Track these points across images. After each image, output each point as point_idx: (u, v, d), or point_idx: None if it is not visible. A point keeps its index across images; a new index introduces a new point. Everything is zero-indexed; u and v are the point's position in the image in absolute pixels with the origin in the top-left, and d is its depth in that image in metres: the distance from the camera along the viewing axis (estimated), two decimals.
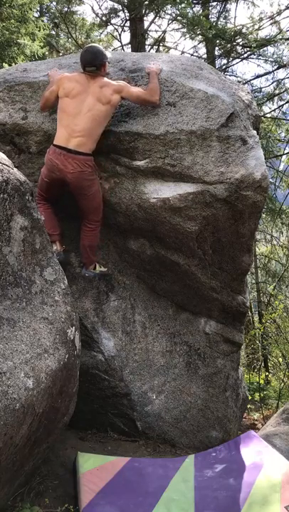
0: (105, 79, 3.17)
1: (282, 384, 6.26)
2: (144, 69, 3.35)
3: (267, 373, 7.97)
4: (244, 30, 8.42)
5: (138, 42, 8.43)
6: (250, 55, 8.73)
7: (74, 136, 3.04)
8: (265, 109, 9.18)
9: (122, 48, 9.39)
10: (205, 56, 9.52)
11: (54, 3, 10.61)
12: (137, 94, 3.12)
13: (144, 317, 3.64)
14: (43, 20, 9.08)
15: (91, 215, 3.28)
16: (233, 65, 9.66)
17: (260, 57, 8.75)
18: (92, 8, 17.02)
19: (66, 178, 3.07)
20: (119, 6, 8.66)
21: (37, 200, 3.24)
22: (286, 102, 8.93)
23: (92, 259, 3.45)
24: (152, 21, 9.20)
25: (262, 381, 7.24)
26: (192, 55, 9.53)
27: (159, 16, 8.98)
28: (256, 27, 8.51)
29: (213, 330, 3.82)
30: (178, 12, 7.94)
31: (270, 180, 8.97)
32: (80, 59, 3.15)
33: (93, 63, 3.11)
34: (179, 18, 8.08)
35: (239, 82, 7.10)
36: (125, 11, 8.67)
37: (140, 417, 3.48)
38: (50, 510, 2.31)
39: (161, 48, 9.65)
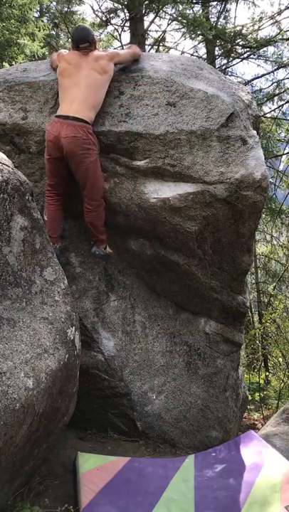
0: (98, 51, 3.32)
1: (282, 384, 6.26)
2: (144, 69, 3.35)
3: (267, 373, 7.97)
4: (244, 31, 8.43)
5: (138, 42, 8.41)
6: (250, 55, 8.74)
7: (71, 105, 3.08)
8: (265, 109, 9.20)
9: (122, 48, 9.37)
10: (205, 56, 9.52)
11: (54, 3, 10.60)
12: (130, 52, 3.39)
13: (144, 317, 3.64)
14: (42, 21, 9.09)
15: (88, 192, 3.17)
16: (233, 65, 9.68)
17: (260, 57, 8.77)
18: (92, 8, 16.95)
19: (61, 144, 3.03)
20: (119, 5, 8.66)
21: (46, 195, 3.29)
22: (286, 102, 8.94)
23: (100, 238, 3.35)
24: (152, 21, 9.18)
25: (262, 381, 7.24)
26: (192, 55, 9.53)
27: (159, 16, 8.98)
28: (256, 27, 8.53)
29: (213, 330, 3.82)
30: (178, 13, 7.94)
31: (270, 180, 8.97)
32: (73, 37, 3.37)
33: (86, 39, 3.28)
34: (179, 18, 8.07)
35: (239, 82, 7.10)
36: (125, 10, 8.66)
37: (140, 417, 3.48)
38: (50, 510, 2.31)
39: (161, 48, 9.65)
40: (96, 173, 3.14)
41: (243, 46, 8.64)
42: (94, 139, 3.10)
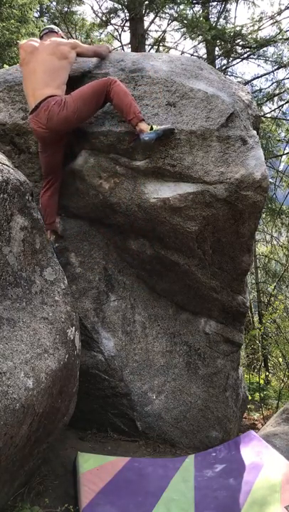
0: (60, 38, 3.36)
1: (282, 384, 6.26)
2: (144, 69, 3.35)
3: (267, 373, 7.97)
4: (244, 31, 8.44)
5: (138, 42, 8.42)
6: (250, 55, 8.76)
7: (36, 94, 3.06)
8: (265, 109, 9.21)
9: (122, 48, 9.38)
10: (205, 56, 9.53)
11: (54, 3, 10.61)
12: (93, 49, 3.43)
13: (144, 317, 3.64)
14: (43, 21, 9.09)
15: (99, 88, 3.02)
16: (233, 65, 9.71)
17: (260, 57, 8.78)
18: (92, 8, 16.97)
19: (45, 131, 3.02)
20: (119, 5, 8.66)
21: (42, 187, 3.33)
22: (286, 102, 8.95)
23: (137, 112, 2.98)
24: (152, 21, 9.20)
25: (262, 381, 7.24)
26: (192, 55, 9.54)
27: (159, 16, 8.99)
28: (256, 27, 8.54)
29: (213, 330, 3.82)
30: (177, 13, 7.95)
31: (270, 180, 8.97)
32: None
33: (47, 28, 3.51)
34: (179, 18, 8.08)
35: (239, 82, 7.11)
36: (125, 11, 8.67)
37: (140, 417, 3.48)
38: (50, 510, 2.31)
39: (161, 48, 9.66)
40: (82, 95, 3.02)
41: (243, 46, 8.66)
42: (61, 95, 3.04)
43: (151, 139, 2.93)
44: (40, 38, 3.46)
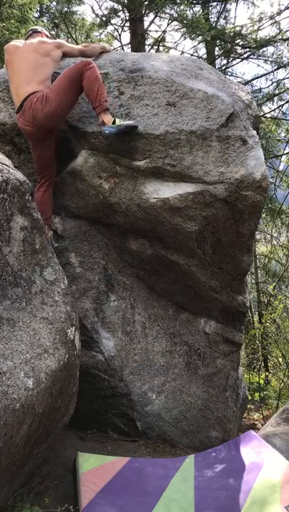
0: (45, 37, 3.39)
1: (282, 384, 6.25)
2: (144, 69, 3.35)
3: (267, 373, 7.97)
4: (244, 31, 8.44)
5: (138, 42, 8.42)
6: (250, 55, 8.75)
7: (20, 92, 3.07)
8: (265, 109, 9.21)
9: (122, 48, 9.38)
10: (205, 56, 9.53)
11: (54, 3, 10.60)
12: (78, 49, 3.44)
13: (144, 317, 3.64)
14: (42, 21, 9.08)
15: (75, 75, 3.04)
16: (233, 65, 9.70)
17: (260, 57, 8.79)
18: (92, 8, 17.03)
19: (33, 125, 3.03)
20: (119, 6, 8.65)
21: (36, 184, 3.32)
22: (286, 102, 8.96)
23: (102, 101, 2.99)
24: (152, 21, 9.19)
25: (262, 381, 7.24)
26: (192, 55, 9.53)
27: (159, 16, 8.98)
28: (256, 27, 8.53)
29: (213, 330, 3.82)
30: (177, 13, 7.94)
31: (270, 180, 8.98)
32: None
33: (31, 30, 3.54)
34: (178, 18, 8.09)
35: (239, 82, 7.11)
36: (125, 11, 8.66)
37: (140, 417, 3.48)
38: (50, 510, 2.31)
39: (161, 48, 9.64)
40: (60, 86, 3.04)
41: (243, 46, 8.66)
42: (44, 90, 3.04)
43: (111, 134, 2.97)
44: (26, 39, 3.48)
